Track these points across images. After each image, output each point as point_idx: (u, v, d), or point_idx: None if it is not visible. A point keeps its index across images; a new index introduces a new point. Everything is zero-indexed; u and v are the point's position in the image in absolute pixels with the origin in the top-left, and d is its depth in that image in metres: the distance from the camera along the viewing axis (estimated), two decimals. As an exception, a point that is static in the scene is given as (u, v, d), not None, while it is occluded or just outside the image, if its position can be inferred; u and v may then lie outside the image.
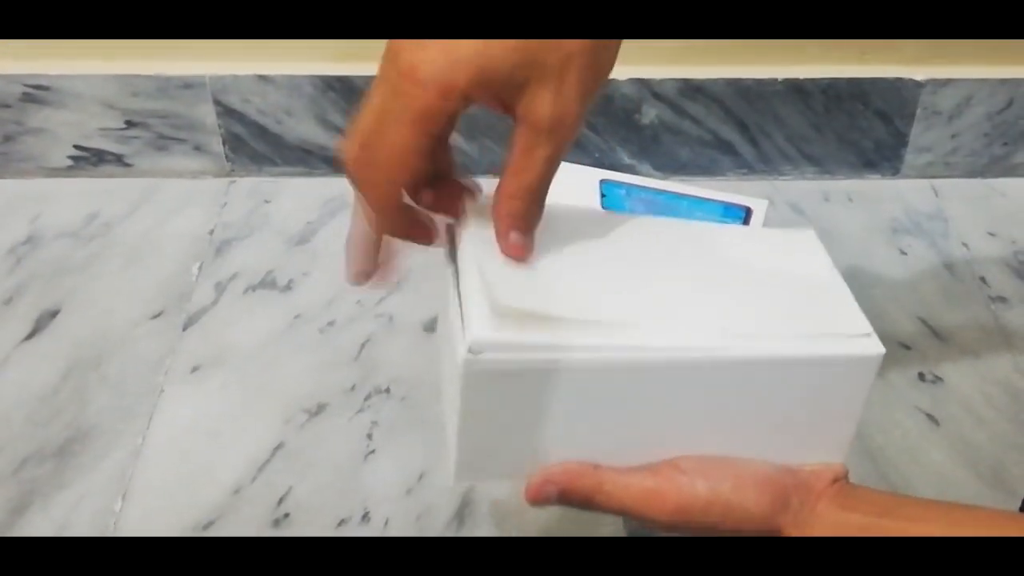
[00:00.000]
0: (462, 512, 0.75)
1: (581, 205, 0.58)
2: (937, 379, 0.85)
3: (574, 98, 0.46)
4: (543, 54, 0.45)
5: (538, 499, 0.51)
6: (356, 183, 0.49)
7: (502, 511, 0.75)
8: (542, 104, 0.45)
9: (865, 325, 0.53)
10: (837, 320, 0.54)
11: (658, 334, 0.49)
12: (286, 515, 0.75)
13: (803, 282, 0.56)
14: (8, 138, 1.01)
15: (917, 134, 1.03)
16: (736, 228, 0.61)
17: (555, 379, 0.47)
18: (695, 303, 0.52)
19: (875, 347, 0.52)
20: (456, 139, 1.04)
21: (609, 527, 0.72)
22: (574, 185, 0.92)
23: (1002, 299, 0.92)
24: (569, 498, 0.51)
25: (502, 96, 0.46)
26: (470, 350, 0.45)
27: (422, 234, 0.51)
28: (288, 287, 0.93)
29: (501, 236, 0.48)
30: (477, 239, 0.49)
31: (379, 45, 1.00)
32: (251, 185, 1.04)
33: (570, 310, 0.47)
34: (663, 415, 0.51)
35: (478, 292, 0.47)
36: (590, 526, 0.72)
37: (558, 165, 0.47)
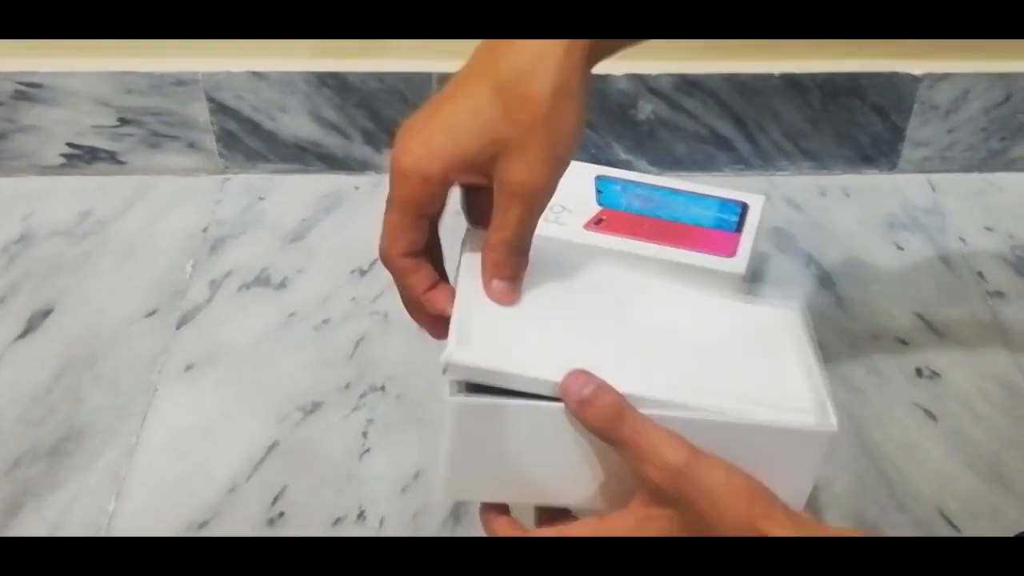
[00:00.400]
0: (457, 510, 0.74)
1: (580, 247, 0.60)
2: (934, 374, 0.84)
3: (538, 163, 0.52)
4: (504, 129, 0.52)
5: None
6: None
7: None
8: (511, 172, 0.52)
9: (825, 402, 0.53)
10: (798, 393, 0.54)
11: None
12: (281, 514, 0.74)
13: (773, 355, 0.56)
14: (0, 136, 1.00)
15: (914, 129, 1.02)
16: (719, 297, 0.62)
17: (518, 417, 0.52)
18: (653, 364, 0.55)
19: (828, 424, 0.52)
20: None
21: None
22: (570, 181, 0.91)
23: (999, 294, 0.92)
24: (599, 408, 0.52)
25: (478, 174, 0.53)
26: (444, 370, 0.51)
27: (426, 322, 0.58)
28: (283, 285, 0.92)
29: (486, 284, 0.56)
30: (471, 270, 0.56)
31: (372, 42, 0.99)
32: (245, 182, 1.03)
33: (525, 366, 0.52)
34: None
35: (460, 321, 0.54)
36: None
37: (533, 222, 0.54)
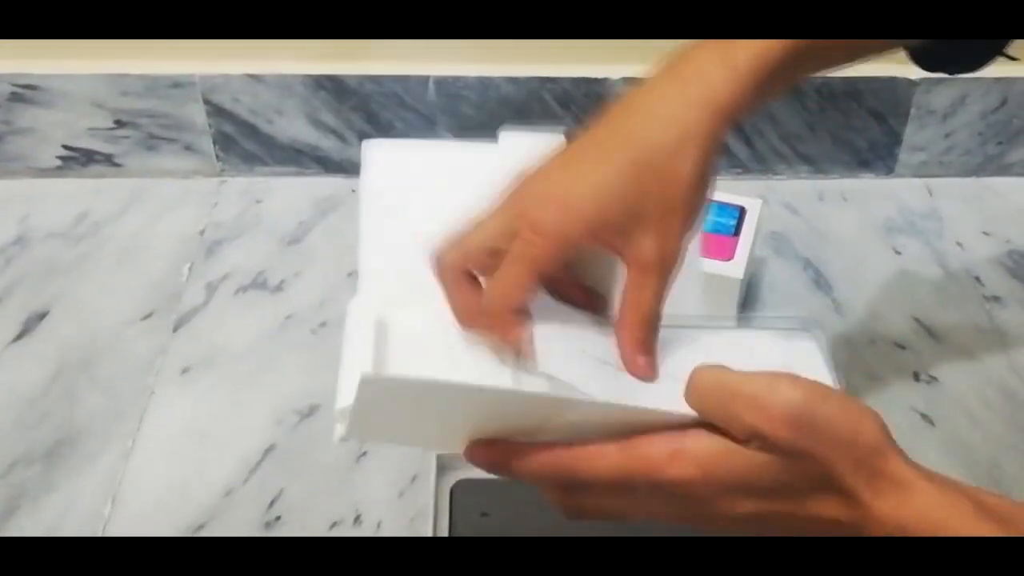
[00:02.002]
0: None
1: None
2: (932, 379, 0.84)
3: (675, 239, 0.54)
4: (646, 205, 0.52)
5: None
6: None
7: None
8: (647, 248, 0.53)
9: None
10: None
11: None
12: (277, 517, 0.74)
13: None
14: (-4, 138, 1.00)
15: (911, 133, 1.02)
16: (729, 332, 0.62)
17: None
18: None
19: None
20: (448, 138, 1.03)
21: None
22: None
23: (996, 299, 0.92)
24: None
25: (610, 242, 0.54)
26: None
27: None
28: (279, 287, 0.92)
29: (628, 360, 0.55)
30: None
31: (369, 45, 0.99)
32: (242, 185, 1.03)
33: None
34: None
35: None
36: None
37: (666, 295, 0.55)
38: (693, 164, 0.52)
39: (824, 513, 0.48)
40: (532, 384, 0.54)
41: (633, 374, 0.55)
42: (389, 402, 0.50)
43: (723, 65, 0.53)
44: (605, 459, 0.50)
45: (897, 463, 0.47)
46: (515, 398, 0.51)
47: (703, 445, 0.49)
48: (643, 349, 0.55)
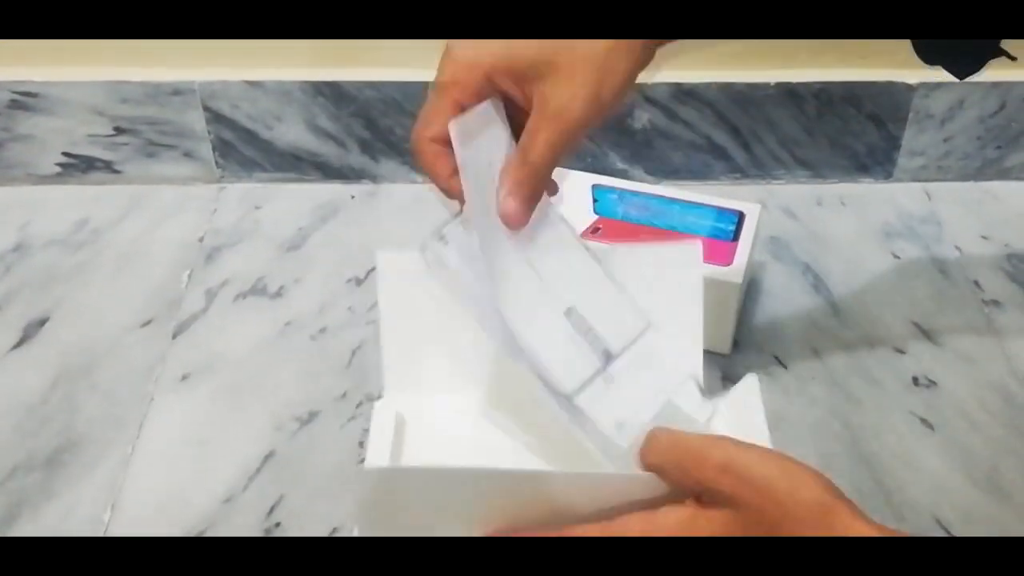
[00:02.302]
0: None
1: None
2: (931, 383, 0.84)
3: (581, 93, 0.54)
4: (559, 54, 0.54)
5: None
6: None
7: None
8: (553, 94, 0.54)
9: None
10: None
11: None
12: (277, 524, 0.74)
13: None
14: (-4, 145, 1.00)
15: (909, 138, 1.03)
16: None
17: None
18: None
19: None
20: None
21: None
22: (567, 190, 0.92)
23: (995, 303, 0.92)
24: None
25: (520, 83, 0.55)
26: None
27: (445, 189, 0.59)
28: (279, 294, 0.92)
29: (500, 202, 0.57)
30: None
31: (368, 50, 1.00)
32: (241, 191, 1.03)
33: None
34: None
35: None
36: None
37: (560, 151, 0.56)
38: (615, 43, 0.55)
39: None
40: (515, 463, 0.63)
41: (503, 219, 0.57)
42: (392, 493, 0.57)
43: None
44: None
45: (848, 517, 0.49)
46: (500, 475, 0.56)
47: (671, 517, 0.53)
48: (519, 192, 0.56)
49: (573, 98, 0.54)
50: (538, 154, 0.55)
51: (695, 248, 0.67)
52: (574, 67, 0.54)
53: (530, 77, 0.55)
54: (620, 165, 1.03)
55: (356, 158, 1.03)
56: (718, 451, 0.52)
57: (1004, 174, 1.05)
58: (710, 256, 0.83)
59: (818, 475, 0.51)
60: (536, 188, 0.57)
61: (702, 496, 0.53)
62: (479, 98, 0.57)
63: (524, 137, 0.56)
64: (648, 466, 0.55)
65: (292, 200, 1.02)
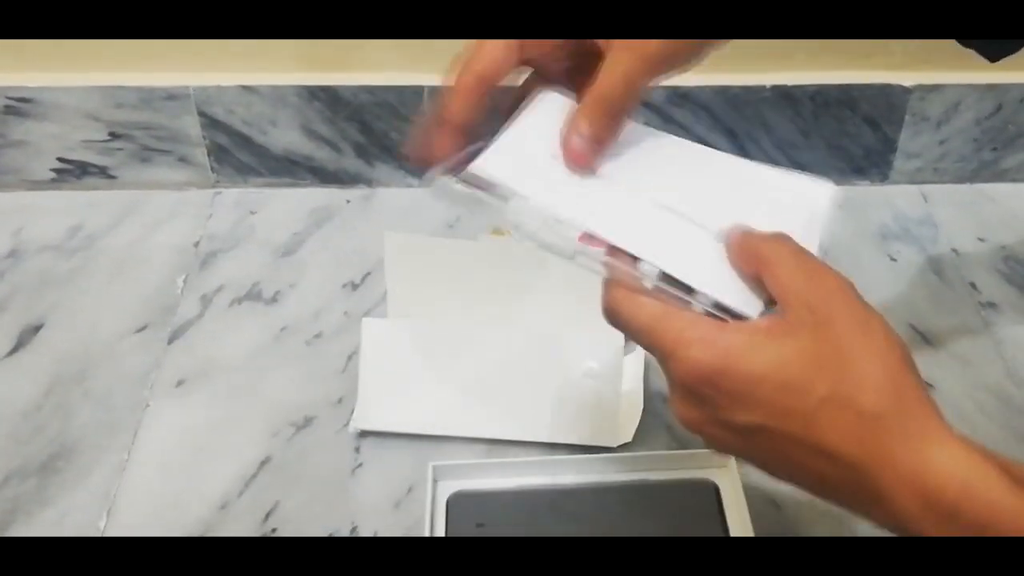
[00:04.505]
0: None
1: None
2: (928, 385, 0.84)
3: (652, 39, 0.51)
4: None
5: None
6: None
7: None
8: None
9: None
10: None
11: None
12: (273, 530, 0.74)
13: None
14: (-10, 151, 1.00)
15: (906, 140, 1.03)
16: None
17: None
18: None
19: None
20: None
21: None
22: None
23: (992, 305, 0.92)
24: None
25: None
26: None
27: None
28: (274, 299, 0.92)
29: (565, 138, 0.52)
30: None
31: (363, 54, 0.99)
32: (236, 196, 1.03)
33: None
34: None
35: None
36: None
37: (638, 85, 0.51)
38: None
39: (829, 442, 0.45)
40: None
41: (566, 156, 0.53)
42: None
43: None
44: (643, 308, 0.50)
45: (929, 404, 0.46)
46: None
47: (729, 338, 0.48)
48: (585, 128, 0.52)
49: (647, 39, 0.51)
50: (613, 86, 0.51)
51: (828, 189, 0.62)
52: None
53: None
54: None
55: (351, 162, 1.03)
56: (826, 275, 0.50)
57: (1000, 176, 1.05)
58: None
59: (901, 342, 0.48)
60: (607, 128, 0.52)
61: (779, 307, 0.48)
62: (549, 52, 0.53)
63: (603, 71, 0.51)
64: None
65: (287, 205, 1.02)
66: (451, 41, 0.96)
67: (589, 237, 0.51)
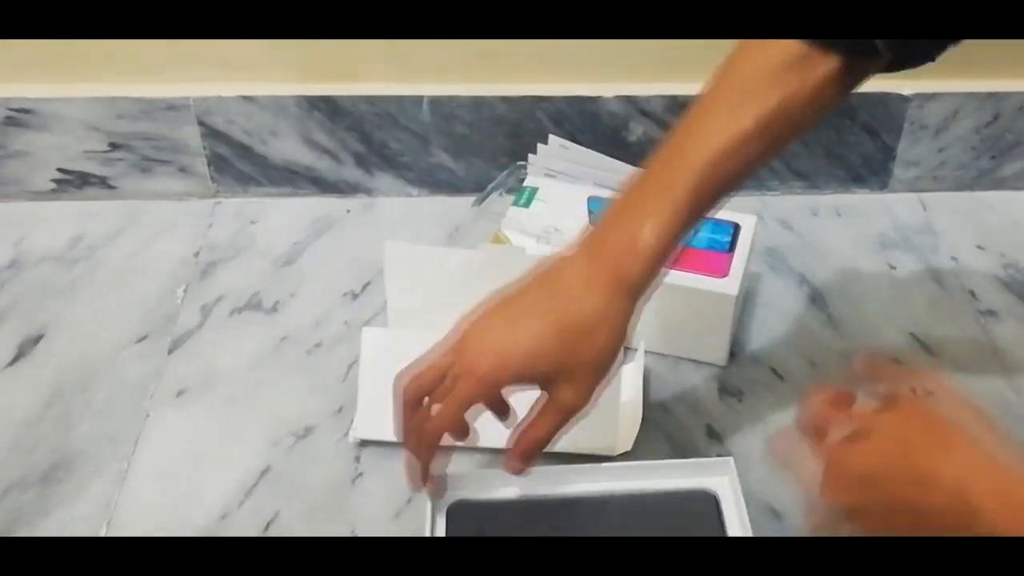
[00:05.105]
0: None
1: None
2: (928, 394, 0.84)
3: (586, 391, 0.65)
4: (567, 363, 0.63)
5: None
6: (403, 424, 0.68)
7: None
8: (563, 393, 0.65)
9: None
10: None
11: None
12: (273, 540, 0.74)
13: None
14: (-9, 162, 1.00)
15: (905, 148, 1.03)
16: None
17: None
18: None
19: None
20: (443, 157, 1.04)
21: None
22: (562, 202, 0.92)
23: (992, 313, 0.92)
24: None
25: (533, 385, 0.65)
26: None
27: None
28: (274, 309, 0.92)
29: (508, 458, 0.68)
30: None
31: (363, 65, 0.99)
32: (236, 206, 1.03)
33: None
34: None
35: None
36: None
37: (557, 433, 0.66)
38: (607, 338, 0.64)
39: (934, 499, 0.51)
40: None
41: (505, 468, 0.68)
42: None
43: (632, 251, 0.63)
44: None
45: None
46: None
47: None
48: (522, 458, 0.67)
49: (579, 396, 0.65)
50: (544, 433, 0.66)
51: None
52: (581, 373, 0.64)
53: (543, 383, 0.65)
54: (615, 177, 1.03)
55: (351, 172, 1.03)
56: None
57: (999, 184, 1.06)
58: (705, 268, 0.83)
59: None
60: (535, 455, 0.67)
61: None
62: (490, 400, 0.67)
63: (535, 417, 0.66)
64: None
65: (287, 215, 1.02)
66: (449, 52, 0.97)
67: None
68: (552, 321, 0.63)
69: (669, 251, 0.64)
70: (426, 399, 0.66)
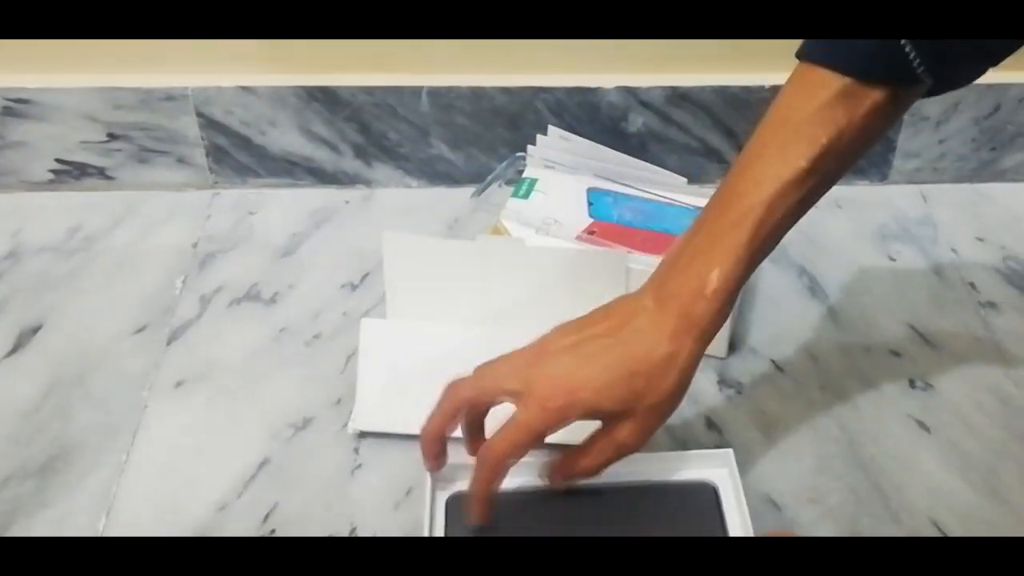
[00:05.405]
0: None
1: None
2: (928, 386, 0.84)
3: (646, 434, 0.67)
4: (633, 404, 0.65)
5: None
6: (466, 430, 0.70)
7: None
8: (623, 433, 0.66)
9: None
10: None
11: None
12: (272, 531, 0.74)
13: None
14: (-11, 152, 1.00)
15: (905, 140, 1.03)
16: None
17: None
18: None
19: None
20: (442, 148, 1.04)
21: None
22: (562, 194, 0.92)
23: (992, 305, 0.92)
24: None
25: (593, 417, 0.66)
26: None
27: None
28: (273, 300, 0.92)
29: (553, 472, 0.70)
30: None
31: (361, 55, 0.99)
32: (235, 197, 1.03)
33: None
34: None
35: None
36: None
37: (606, 466, 0.68)
38: (674, 382, 0.65)
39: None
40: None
41: (549, 481, 0.71)
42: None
43: (700, 296, 0.64)
44: None
45: None
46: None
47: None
48: (565, 478, 0.70)
49: (638, 438, 0.66)
50: (595, 467, 0.68)
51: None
52: (644, 415, 0.65)
53: (607, 419, 0.66)
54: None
55: (350, 163, 1.03)
56: None
57: (999, 176, 1.05)
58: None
59: None
60: (580, 479, 0.69)
61: None
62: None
63: (593, 446, 0.68)
64: None
65: (286, 206, 1.02)
66: (448, 42, 0.97)
67: None
68: (623, 363, 0.65)
69: (735, 293, 0.66)
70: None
